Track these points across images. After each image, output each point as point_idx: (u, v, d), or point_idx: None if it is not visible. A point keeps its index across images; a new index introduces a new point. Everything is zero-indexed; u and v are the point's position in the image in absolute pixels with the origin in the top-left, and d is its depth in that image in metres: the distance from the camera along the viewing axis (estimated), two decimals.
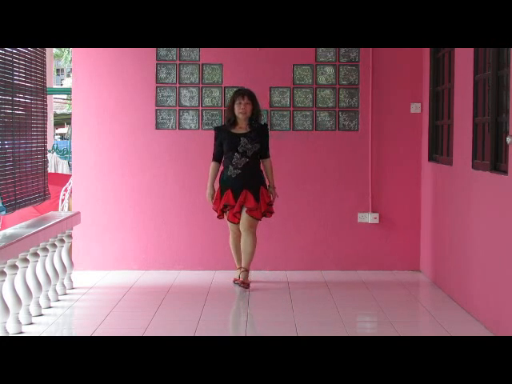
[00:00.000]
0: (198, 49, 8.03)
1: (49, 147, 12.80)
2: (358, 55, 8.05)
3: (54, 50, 23.18)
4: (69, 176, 10.09)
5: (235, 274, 7.35)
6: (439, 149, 7.58)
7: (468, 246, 6.32)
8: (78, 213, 7.45)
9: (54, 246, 6.70)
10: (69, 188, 9.47)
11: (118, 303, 6.61)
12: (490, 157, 5.84)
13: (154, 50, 8.03)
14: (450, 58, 7.15)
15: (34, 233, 5.94)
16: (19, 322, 5.66)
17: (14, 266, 5.61)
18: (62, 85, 37.13)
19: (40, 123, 7.39)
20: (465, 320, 6.06)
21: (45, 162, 7.55)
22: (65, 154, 15.03)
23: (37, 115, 7.28)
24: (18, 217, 8.38)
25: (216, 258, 8.04)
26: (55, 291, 6.70)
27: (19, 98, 6.77)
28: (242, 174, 7.01)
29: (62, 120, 24.73)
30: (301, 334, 5.64)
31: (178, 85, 8.07)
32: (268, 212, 7.12)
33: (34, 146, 7.19)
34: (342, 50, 8.05)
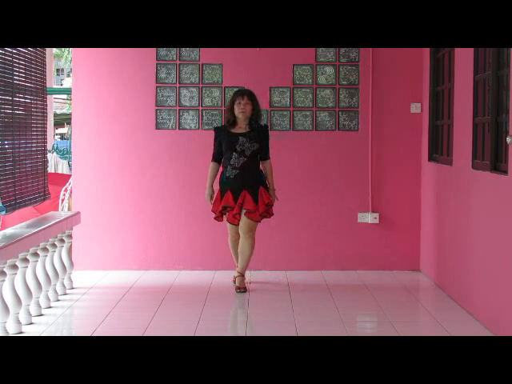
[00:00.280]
0: (197, 49, 8.03)
1: (49, 147, 12.81)
2: (358, 55, 8.05)
3: (54, 49, 23.18)
4: (69, 176, 10.09)
5: (236, 273, 7.32)
6: (439, 149, 7.58)
7: (468, 245, 6.32)
8: (78, 213, 7.45)
9: (54, 245, 6.70)
10: (69, 188, 9.47)
11: (118, 303, 6.61)
12: (490, 157, 5.84)
13: (153, 49, 8.03)
14: (450, 58, 7.15)
15: (34, 233, 5.94)
16: (19, 322, 5.66)
17: (14, 266, 5.61)
18: (62, 85, 37.13)
19: (40, 123, 7.39)
20: (465, 320, 6.06)
21: (45, 162, 7.55)
22: (65, 153, 15.03)
23: (37, 115, 7.28)
24: (17, 217, 8.38)
25: (216, 258, 8.04)
26: (55, 291, 6.70)
27: (19, 98, 6.77)
28: (241, 174, 6.99)
29: (62, 120, 24.73)
30: (301, 334, 5.64)
31: (178, 85, 8.07)
32: (267, 213, 7.07)
33: (34, 146, 7.19)
34: (342, 49, 8.05)
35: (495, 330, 5.57)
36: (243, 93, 7.10)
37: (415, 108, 8.05)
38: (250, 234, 7.03)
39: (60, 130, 27.10)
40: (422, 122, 8.02)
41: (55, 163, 13.68)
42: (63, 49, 32.23)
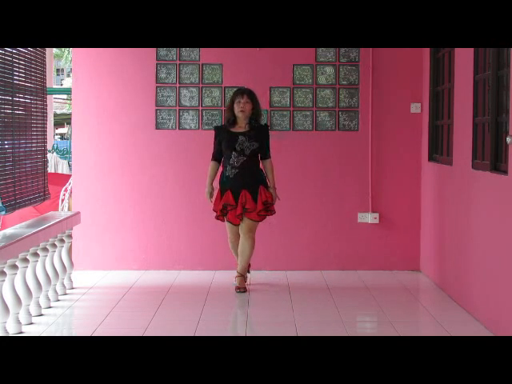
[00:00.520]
0: (197, 49, 8.03)
1: (49, 147, 12.80)
2: (358, 55, 8.05)
3: (54, 49, 23.17)
4: (69, 176, 10.10)
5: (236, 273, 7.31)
6: (439, 149, 7.58)
7: (468, 245, 6.32)
8: (78, 213, 7.45)
9: (54, 245, 6.69)
10: (69, 188, 9.47)
11: (117, 303, 6.61)
12: (490, 157, 5.84)
13: (153, 49, 8.03)
14: (450, 58, 7.15)
15: (33, 233, 5.94)
16: (19, 322, 5.66)
17: (14, 266, 5.61)
18: (62, 85, 37.13)
19: (40, 123, 7.39)
20: (465, 320, 6.06)
21: (45, 162, 7.55)
22: (65, 153, 15.03)
23: (37, 115, 7.28)
24: (18, 217, 8.38)
25: (216, 258, 8.04)
26: (55, 291, 6.70)
27: (19, 98, 6.77)
28: (240, 173, 6.98)
29: (62, 120, 24.72)
30: (301, 334, 5.64)
31: (178, 85, 8.07)
32: (266, 211, 7.03)
33: (34, 146, 7.19)
34: (342, 49, 8.05)
35: (495, 330, 5.57)
36: (243, 92, 7.09)
37: (415, 108, 8.05)
38: (250, 235, 7.02)
39: (60, 130, 27.10)
40: (422, 122, 8.02)
41: (55, 163, 13.68)
42: (63, 49, 32.22)
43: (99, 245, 8.10)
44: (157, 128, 8.08)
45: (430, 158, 7.77)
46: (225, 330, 5.97)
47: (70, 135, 11.52)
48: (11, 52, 6.51)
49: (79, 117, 8.11)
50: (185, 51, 8.07)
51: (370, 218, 8.07)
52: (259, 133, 7.05)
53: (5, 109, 6.42)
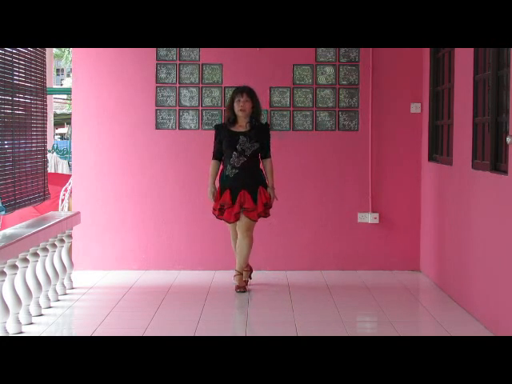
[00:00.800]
0: (197, 49, 8.03)
1: (49, 147, 12.80)
2: (358, 55, 8.05)
3: (54, 49, 23.18)
4: (69, 176, 10.10)
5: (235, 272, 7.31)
6: (439, 149, 7.58)
7: (468, 246, 6.32)
8: (78, 213, 7.45)
9: (53, 246, 6.69)
10: (69, 188, 9.47)
11: (117, 303, 6.61)
12: (490, 157, 5.84)
13: (153, 50, 8.03)
14: (450, 58, 7.15)
15: (33, 233, 5.94)
16: (19, 322, 5.66)
17: (14, 266, 5.61)
18: (62, 85, 37.13)
19: (40, 123, 7.39)
20: (465, 320, 6.06)
21: (45, 162, 7.55)
22: (65, 153, 15.03)
23: (37, 115, 7.28)
24: (18, 217, 8.38)
25: (216, 258, 8.04)
26: (55, 291, 6.70)
27: (19, 98, 6.77)
28: (240, 173, 6.97)
29: (62, 120, 24.72)
30: (301, 334, 5.64)
31: (178, 85, 8.07)
32: (264, 213, 7.05)
33: (34, 146, 7.19)
34: (342, 49, 8.05)
35: (495, 330, 5.57)
36: (242, 90, 7.06)
37: (415, 108, 8.05)
38: (248, 233, 7.02)
39: (60, 130, 27.10)
40: (422, 122, 8.02)
41: (55, 163, 13.69)
42: (63, 49, 32.23)
43: (99, 245, 8.10)
44: (157, 128, 8.08)
45: (430, 158, 7.77)
46: (225, 330, 5.96)
47: (70, 135, 11.51)
48: (11, 52, 6.51)
49: (79, 117, 8.11)
50: (185, 51, 8.07)
51: (369, 217, 8.07)
52: (260, 132, 7.04)
53: (5, 109, 6.42)
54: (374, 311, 6.47)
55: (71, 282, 7.19)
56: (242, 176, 6.97)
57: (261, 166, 7.12)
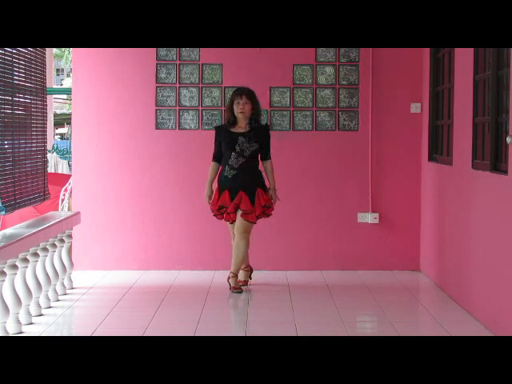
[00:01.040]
0: (197, 49, 8.03)
1: (49, 147, 12.81)
2: (358, 55, 8.05)
3: (54, 49, 23.18)
4: (69, 176, 10.10)
5: (240, 275, 7.28)
6: (439, 149, 7.58)
7: (468, 245, 6.32)
8: (78, 213, 7.45)
9: (53, 246, 6.69)
10: (69, 188, 9.47)
11: (117, 303, 6.61)
12: (490, 157, 5.84)
13: (153, 49, 8.03)
14: (450, 58, 7.15)
15: (33, 233, 5.94)
16: (19, 322, 5.66)
17: (14, 266, 5.61)
18: (62, 85, 37.12)
19: (40, 123, 7.39)
20: (465, 320, 6.06)
21: (45, 162, 7.55)
22: (65, 153, 15.03)
23: (37, 115, 7.28)
24: (18, 217, 8.38)
25: (216, 258, 8.04)
26: (55, 291, 6.70)
27: (19, 98, 6.77)
28: (238, 174, 6.96)
29: (62, 120, 24.72)
30: (301, 334, 5.64)
31: (178, 85, 8.07)
32: (264, 214, 7.04)
33: (34, 146, 7.19)
34: (342, 49, 8.05)
35: (495, 330, 5.57)
36: (241, 92, 7.05)
37: (415, 108, 8.05)
38: (245, 235, 7.01)
39: (60, 130, 27.10)
40: (422, 122, 8.02)
41: (55, 163, 13.69)
42: (63, 49, 32.23)
43: (99, 245, 8.10)
44: (157, 128, 8.08)
45: (430, 158, 7.77)
46: (225, 330, 5.96)
47: (70, 135, 11.52)
48: (11, 52, 6.51)
49: (79, 117, 8.11)
50: (185, 51, 8.07)
51: (369, 218, 8.07)
52: (259, 133, 7.04)
53: (5, 109, 6.42)
54: (374, 311, 6.47)
55: (71, 282, 7.19)
56: (240, 177, 6.96)
57: (260, 168, 7.11)
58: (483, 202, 5.94)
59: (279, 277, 7.76)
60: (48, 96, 9.76)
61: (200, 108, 8.08)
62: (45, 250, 6.49)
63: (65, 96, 22.33)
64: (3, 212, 6.29)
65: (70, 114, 16.94)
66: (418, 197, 8.08)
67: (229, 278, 7.10)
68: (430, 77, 7.77)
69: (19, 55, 6.72)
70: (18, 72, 6.74)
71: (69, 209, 9.32)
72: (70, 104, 11.68)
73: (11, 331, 5.53)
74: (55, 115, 21.22)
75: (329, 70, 8.08)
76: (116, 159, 8.08)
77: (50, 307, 6.43)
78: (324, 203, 8.09)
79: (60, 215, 7.13)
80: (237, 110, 7.01)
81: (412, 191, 8.08)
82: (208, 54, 8.04)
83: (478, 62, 6.20)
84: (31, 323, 5.89)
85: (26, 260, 5.92)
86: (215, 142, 7.13)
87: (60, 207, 9.54)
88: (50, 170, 12.68)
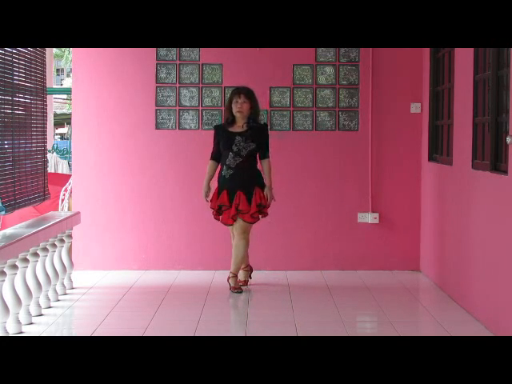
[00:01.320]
0: (197, 49, 8.03)
1: (49, 147, 12.80)
2: (358, 55, 8.05)
3: (54, 49, 23.17)
4: (69, 176, 10.10)
5: (240, 275, 7.29)
6: (439, 149, 7.58)
7: (468, 246, 6.32)
8: (78, 213, 7.45)
9: (53, 245, 6.69)
10: (69, 188, 9.47)
11: (117, 303, 6.61)
12: (490, 157, 5.84)
13: (153, 49, 8.03)
14: (450, 58, 7.15)
15: (33, 233, 5.94)
16: (19, 322, 5.66)
17: (14, 266, 5.61)
18: (62, 85, 37.12)
19: (40, 123, 7.39)
20: (465, 320, 6.06)
21: (44, 162, 7.55)
22: (65, 153, 15.03)
23: (37, 115, 7.28)
24: (18, 217, 8.38)
25: (216, 258, 8.04)
26: (55, 291, 6.70)
27: (19, 98, 6.77)
28: (235, 174, 6.95)
29: (62, 120, 24.72)
30: (301, 334, 5.64)
31: (178, 85, 8.07)
32: (260, 213, 7.02)
33: (34, 146, 7.19)
34: (342, 49, 8.05)
35: (495, 330, 5.57)
36: (240, 91, 7.04)
37: (415, 108, 8.05)
38: (244, 236, 7.01)
39: (60, 130, 27.10)
40: (422, 122, 8.02)
41: (55, 163, 13.69)
42: (63, 49, 32.22)
43: (99, 245, 8.10)
44: (157, 128, 8.08)
45: (430, 158, 7.77)
46: (225, 330, 5.96)
47: (70, 135, 11.51)
48: (11, 52, 6.51)
49: (79, 117, 8.11)
50: (185, 51, 8.07)
51: (369, 217, 8.07)
52: (257, 133, 7.03)
53: (5, 109, 6.42)
54: (374, 311, 6.47)
55: (71, 281, 7.19)
56: (237, 177, 6.95)
57: (259, 167, 7.10)
58: (483, 202, 5.94)
59: (279, 277, 7.76)
60: (48, 96, 9.76)
61: (200, 108, 8.08)
62: (45, 250, 6.49)
63: (65, 96, 22.33)
64: (3, 212, 6.29)
65: (69, 114, 16.93)
66: (418, 197, 8.08)
67: (229, 278, 7.11)
68: (429, 77, 7.77)
69: (19, 55, 6.72)
70: (18, 72, 6.74)
71: (69, 209, 9.32)
72: (70, 104, 11.68)
73: (11, 331, 5.53)
74: (55, 115, 21.22)
75: (329, 69, 8.08)
76: (116, 159, 8.08)
77: (50, 307, 6.43)
78: (324, 203, 8.09)
79: (60, 215, 7.13)
80: (235, 109, 7.01)
81: (412, 191, 8.08)
82: (208, 54, 8.04)
83: (478, 62, 6.20)
84: (31, 323, 5.89)
85: (25, 260, 5.92)
86: (214, 141, 7.13)
87: (60, 207, 9.54)
88: (50, 169, 12.68)
